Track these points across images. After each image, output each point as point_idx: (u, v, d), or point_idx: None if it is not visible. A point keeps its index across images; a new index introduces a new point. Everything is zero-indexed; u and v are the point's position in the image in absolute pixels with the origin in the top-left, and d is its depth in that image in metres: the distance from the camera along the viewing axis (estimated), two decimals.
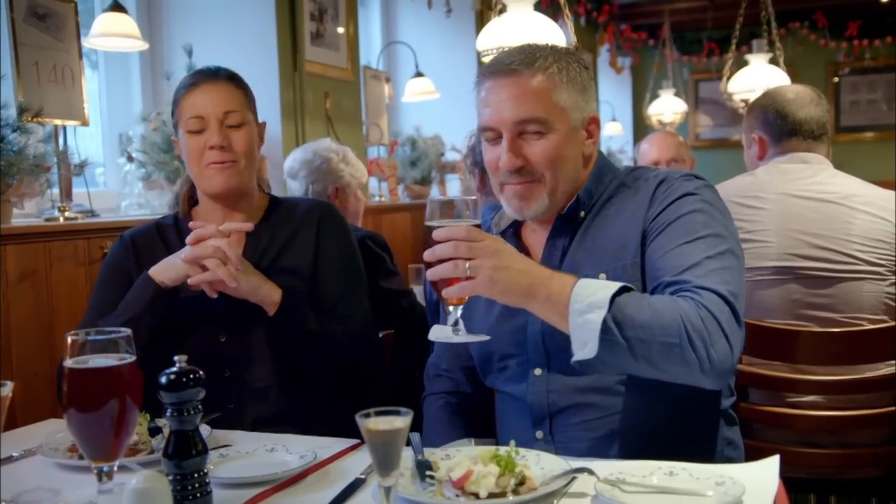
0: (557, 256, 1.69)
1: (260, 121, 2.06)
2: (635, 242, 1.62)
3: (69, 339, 1.27)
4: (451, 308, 1.50)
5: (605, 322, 1.39)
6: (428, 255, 1.46)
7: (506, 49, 1.77)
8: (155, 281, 1.87)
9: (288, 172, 3.16)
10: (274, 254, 2.02)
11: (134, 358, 1.28)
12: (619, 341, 1.40)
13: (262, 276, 1.91)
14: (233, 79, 2.00)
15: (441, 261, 1.44)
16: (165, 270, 1.87)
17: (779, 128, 2.50)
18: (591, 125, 1.71)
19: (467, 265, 1.42)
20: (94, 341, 1.24)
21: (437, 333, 1.54)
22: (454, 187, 5.37)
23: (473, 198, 1.53)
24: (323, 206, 2.15)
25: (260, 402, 1.94)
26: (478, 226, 1.48)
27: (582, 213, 1.70)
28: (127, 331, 1.33)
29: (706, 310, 1.43)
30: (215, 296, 1.86)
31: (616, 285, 1.44)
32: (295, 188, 3.11)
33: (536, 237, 1.76)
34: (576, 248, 1.68)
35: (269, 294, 1.89)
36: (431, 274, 1.46)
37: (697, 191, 1.64)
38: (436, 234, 1.45)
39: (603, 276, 1.61)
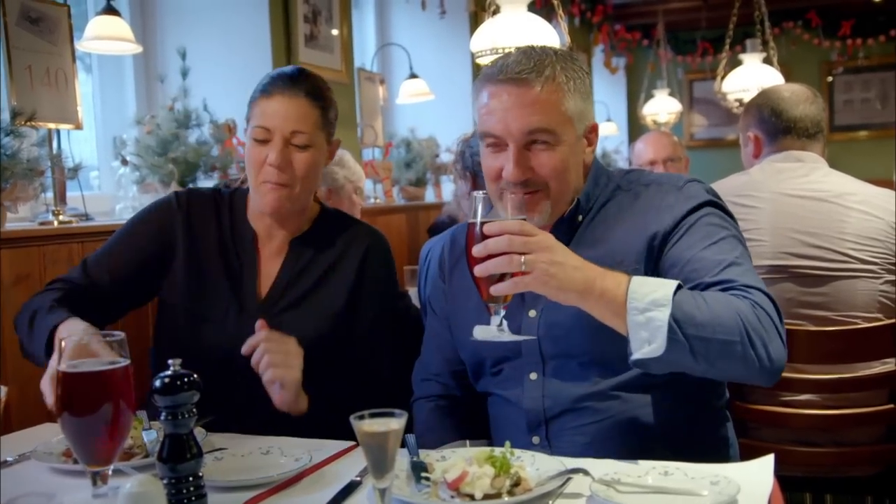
0: None
1: (334, 138, 1.98)
2: (639, 249, 1.62)
3: (62, 343, 1.27)
4: (494, 306, 1.46)
5: (669, 321, 1.38)
6: (479, 249, 1.40)
7: (503, 50, 1.76)
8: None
9: None
10: (313, 278, 1.96)
11: (128, 362, 1.28)
12: (680, 339, 1.39)
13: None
14: (312, 94, 1.88)
15: (490, 256, 1.40)
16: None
17: (773, 126, 2.51)
18: (592, 133, 1.71)
19: (522, 259, 1.39)
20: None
21: (483, 333, 1.48)
22: (449, 189, 5.36)
23: (514, 196, 1.52)
24: (373, 235, 2.06)
25: (265, 406, 1.92)
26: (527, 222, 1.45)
27: (580, 217, 1.70)
28: (120, 334, 1.33)
29: (761, 309, 1.45)
30: None
31: (673, 283, 1.43)
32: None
33: None
34: (574, 251, 1.67)
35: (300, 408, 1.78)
36: (482, 269, 1.41)
37: (710, 198, 1.66)
38: (488, 228, 1.41)
39: None
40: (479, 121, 1.69)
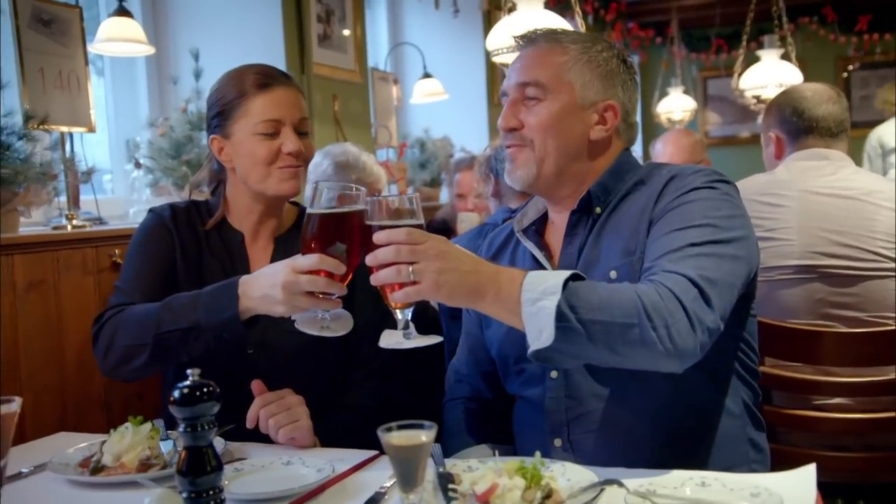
0: (574, 255, 1.66)
1: None
2: (643, 237, 1.58)
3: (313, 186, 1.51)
4: (398, 312, 1.44)
5: (559, 307, 1.33)
6: (369, 259, 1.40)
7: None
8: (239, 305, 1.66)
9: None
10: None
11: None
12: (574, 326, 1.34)
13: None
14: (297, 86, 1.96)
15: (383, 265, 1.38)
16: (259, 300, 1.63)
17: (795, 126, 2.46)
18: (608, 112, 1.68)
19: (410, 269, 1.37)
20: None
21: (388, 339, 1.46)
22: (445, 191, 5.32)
23: (416, 195, 1.47)
24: None
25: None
26: (420, 226, 1.42)
27: (598, 210, 1.66)
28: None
29: (666, 289, 1.38)
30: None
31: (567, 272, 1.38)
32: (307, 193, 3.08)
33: (556, 237, 1.73)
34: (591, 245, 1.65)
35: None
36: (374, 280, 1.40)
37: (708, 184, 1.58)
38: (375, 238, 1.39)
39: (613, 273, 1.57)
40: None
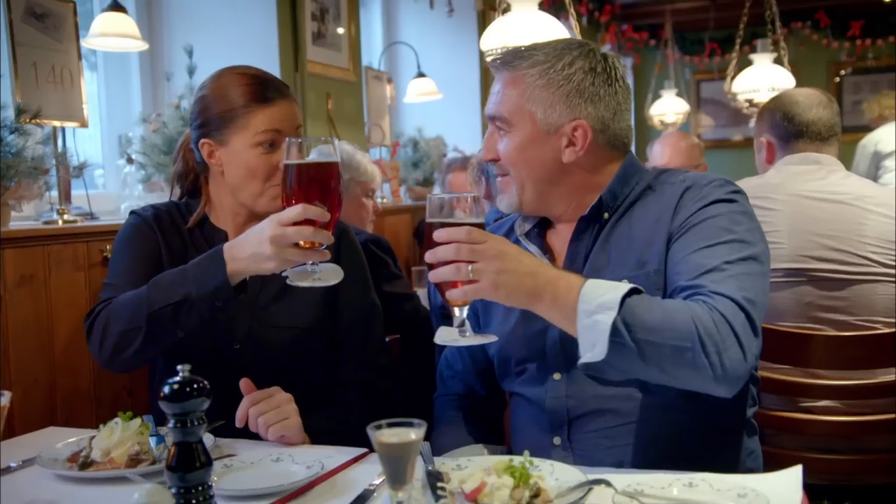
0: (580, 259, 1.66)
1: None
2: (660, 249, 1.57)
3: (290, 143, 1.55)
4: (455, 310, 1.45)
5: (614, 324, 1.35)
6: (429, 256, 1.41)
7: (511, 48, 1.75)
8: (227, 270, 1.66)
9: None
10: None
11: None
12: (628, 344, 1.35)
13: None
14: (293, 95, 1.94)
15: (443, 263, 1.40)
16: (248, 259, 1.64)
17: (786, 130, 2.47)
18: (577, 132, 1.63)
19: (469, 268, 1.38)
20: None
21: (444, 336, 1.48)
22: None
23: (474, 194, 1.48)
24: (340, 226, 2.04)
25: None
26: (480, 225, 1.43)
27: (606, 215, 1.66)
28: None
29: (719, 314, 1.39)
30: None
31: (626, 286, 1.39)
32: None
33: (560, 239, 1.72)
34: (598, 251, 1.64)
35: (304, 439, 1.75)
36: (434, 276, 1.42)
37: (726, 196, 1.58)
38: (436, 236, 1.41)
39: (625, 282, 1.55)
40: None
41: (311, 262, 1.59)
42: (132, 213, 2.01)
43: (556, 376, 1.66)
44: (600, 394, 1.61)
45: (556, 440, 1.65)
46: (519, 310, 1.69)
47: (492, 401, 1.87)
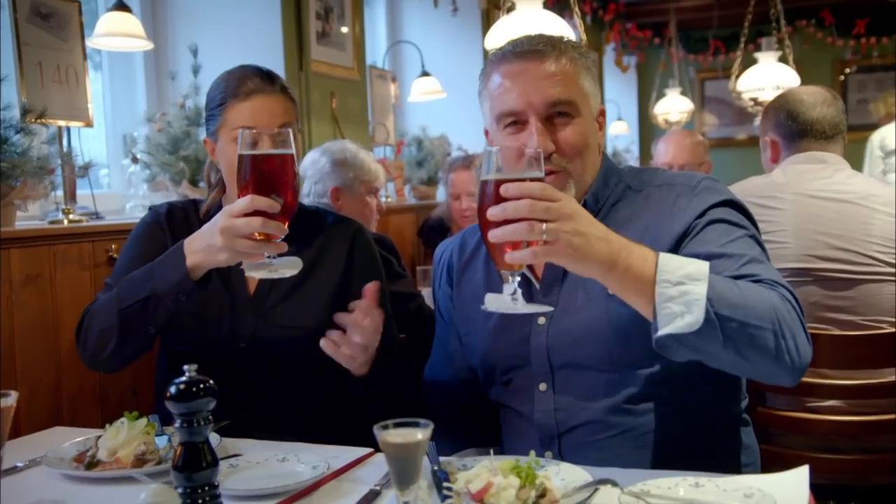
0: None
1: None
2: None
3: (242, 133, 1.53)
4: (509, 276, 1.32)
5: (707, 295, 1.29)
6: (496, 212, 1.26)
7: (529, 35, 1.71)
8: (187, 263, 1.67)
9: (301, 172, 3.16)
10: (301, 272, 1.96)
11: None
12: (712, 318, 1.30)
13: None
14: (285, 90, 1.92)
15: (508, 221, 1.26)
16: (204, 252, 1.65)
17: (790, 129, 2.47)
18: (601, 117, 1.69)
19: (544, 227, 1.26)
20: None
21: (495, 302, 1.34)
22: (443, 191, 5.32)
23: (539, 149, 1.37)
24: (354, 225, 2.07)
25: (276, 411, 1.90)
26: (542, 180, 1.31)
27: None
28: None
29: (788, 302, 1.38)
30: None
31: (704, 262, 1.35)
32: (304, 189, 3.10)
33: None
34: None
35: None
36: (499, 235, 1.27)
37: (722, 198, 1.58)
38: (504, 190, 1.26)
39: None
40: (494, 104, 1.63)
41: (266, 254, 1.57)
42: (150, 209, 2.04)
43: (542, 387, 1.63)
44: (588, 406, 1.59)
45: (548, 454, 1.61)
46: (497, 317, 1.65)
47: (480, 408, 1.81)
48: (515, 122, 1.60)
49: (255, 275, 1.58)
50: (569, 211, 1.28)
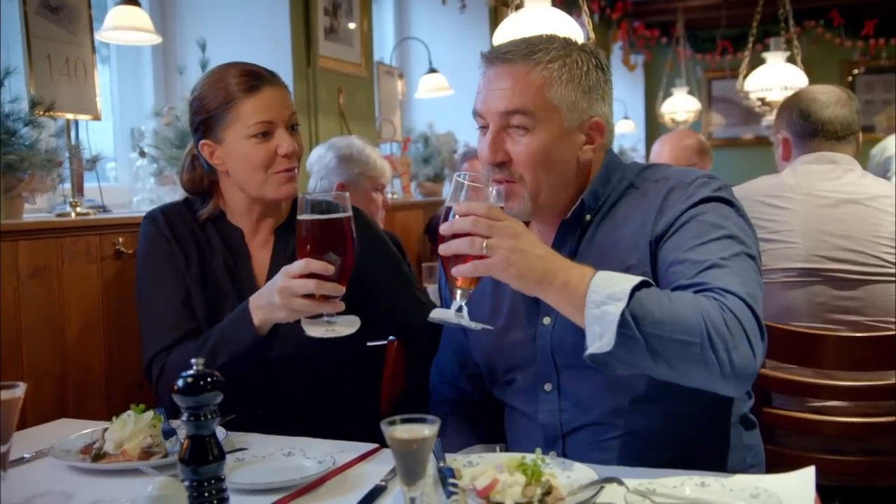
0: None
1: None
2: (644, 251, 1.54)
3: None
4: (458, 292, 1.43)
5: (623, 315, 1.32)
6: (445, 228, 1.40)
7: (510, 41, 1.69)
8: (255, 325, 1.73)
9: (308, 168, 3.17)
10: None
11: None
12: (635, 336, 1.33)
13: None
14: (282, 81, 1.95)
15: (456, 236, 1.39)
16: (265, 309, 1.71)
17: (802, 128, 2.46)
18: (593, 130, 1.60)
19: (484, 243, 1.37)
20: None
21: (440, 314, 1.47)
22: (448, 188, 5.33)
23: (501, 187, 1.48)
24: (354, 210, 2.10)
25: (287, 408, 1.91)
26: (501, 209, 1.43)
27: (588, 217, 1.62)
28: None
29: (730, 312, 1.36)
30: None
31: (637, 279, 1.36)
32: (310, 185, 3.11)
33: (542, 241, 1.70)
34: (582, 253, 1.60)
35: None
36: (445, 248, 1.40)
37: (713, 193, 1.55)
38: (456, 208, 1.40)
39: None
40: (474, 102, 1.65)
41: (325, 313, 1.61)
42: (145, 218, 2.03)
43: (548, 387, 1.63)
44: (593, 407, 1.59)
45: (553, 454, 1.60)
46: (504, 317, 1.67)
47: (487, 404, 1.82)
48: (482, 124, 1.61)
49: (313, 332, 1.61)
50: (511, 231, 1.39)
